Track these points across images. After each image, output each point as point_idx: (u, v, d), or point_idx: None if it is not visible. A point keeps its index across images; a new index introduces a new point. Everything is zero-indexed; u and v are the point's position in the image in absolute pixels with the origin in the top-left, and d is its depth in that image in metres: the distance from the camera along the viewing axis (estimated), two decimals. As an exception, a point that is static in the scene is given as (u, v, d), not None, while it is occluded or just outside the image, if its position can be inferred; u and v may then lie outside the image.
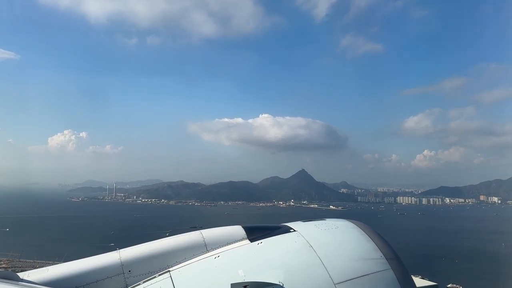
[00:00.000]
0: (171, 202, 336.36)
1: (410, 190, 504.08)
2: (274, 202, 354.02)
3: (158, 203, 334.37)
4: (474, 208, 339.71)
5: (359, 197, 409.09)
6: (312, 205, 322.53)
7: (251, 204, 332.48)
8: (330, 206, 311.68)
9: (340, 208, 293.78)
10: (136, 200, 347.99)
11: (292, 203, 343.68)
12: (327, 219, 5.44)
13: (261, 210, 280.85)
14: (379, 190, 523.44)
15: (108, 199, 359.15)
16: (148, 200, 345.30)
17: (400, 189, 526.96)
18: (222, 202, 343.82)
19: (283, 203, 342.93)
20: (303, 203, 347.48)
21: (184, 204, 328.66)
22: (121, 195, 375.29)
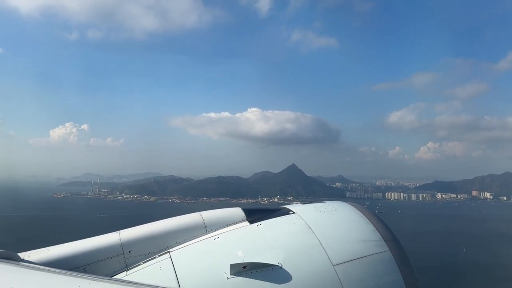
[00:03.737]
0: (152, 199, 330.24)
1: (407, 184, 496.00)
2: (258, 198, 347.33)
3: (138, 199, 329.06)
4: (463, 204, 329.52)
5: (347, 193, 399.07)
6: (295, 202, 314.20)
7: (234, 200, 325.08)
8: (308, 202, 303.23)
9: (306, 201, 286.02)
10: (117, 196, 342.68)
11: (276, 200, 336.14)
12: (327, 201, 5.46)
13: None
14: (377, 183, 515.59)
15: (91, 195, 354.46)
16: (129, 196, 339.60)
17: (398, 182, 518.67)
18: (204, 198, 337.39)
19: (266, 200, 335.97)
20: (289, 199, 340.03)
21: (164, 201, 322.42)
22: (104, 191, 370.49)
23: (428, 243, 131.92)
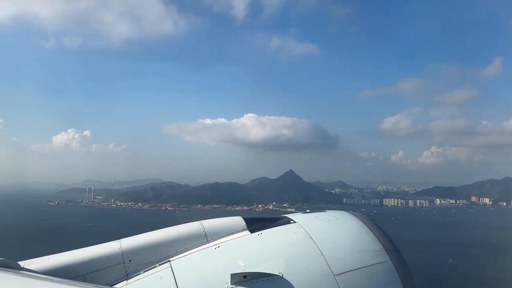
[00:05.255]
0: (145, 206, 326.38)
1: (408, 189, 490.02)
2: (254, 204, 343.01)
3: (132, 207, 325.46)
4: (460, 210, 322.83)
5: (344, 199, 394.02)
6: (290, 209, 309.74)
7: (228, 207, 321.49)
8: (307, 211, 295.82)
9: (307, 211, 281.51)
10: (111, 204, 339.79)
11: (271, 207, 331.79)
12: (327, 211, 5.51)
13: (232, 216, 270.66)
14: (378, 188, 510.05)
15: (86, 202, 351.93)
16: (123, 204, 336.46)
17: (400, 187, 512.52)
18: (199, 205, 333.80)
19: (261, 207, 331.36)
20: (284, 206, 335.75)
21: (158, 208, 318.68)
22: (98, 198, 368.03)
23: (414, 252, 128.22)
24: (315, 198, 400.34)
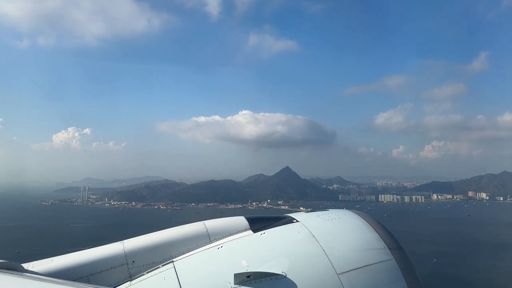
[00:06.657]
0: (138, 206, 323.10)
1: (407, 185, 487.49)
2: (248, 202, 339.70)
3: (124, 206, 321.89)
4: (456, 206, 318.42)
5: (340, 195, 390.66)
6: (283, 206, 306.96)
7: (221, 206, 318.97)
8: (300, 208, 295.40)
9: (309, 210, 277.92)
10: (104, 204, 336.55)
11: (265, 205, 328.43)
12: (330, 210, 5.54)
13: (225, 214, 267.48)
14: (378, 184, 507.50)
15: (80, 202, 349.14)
16: (116, 203, 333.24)
17: (399, 183, 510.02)
18: (192, 204, 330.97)
19: (256, 204, 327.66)
20: (278, 204, 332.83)
21: (151, 207, 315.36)
22: (92, 198, 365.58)
23: (410, 253, 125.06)
24: (311, 195, 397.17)
